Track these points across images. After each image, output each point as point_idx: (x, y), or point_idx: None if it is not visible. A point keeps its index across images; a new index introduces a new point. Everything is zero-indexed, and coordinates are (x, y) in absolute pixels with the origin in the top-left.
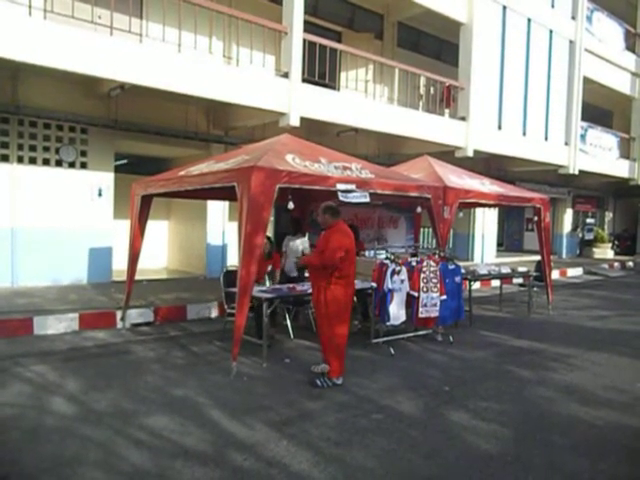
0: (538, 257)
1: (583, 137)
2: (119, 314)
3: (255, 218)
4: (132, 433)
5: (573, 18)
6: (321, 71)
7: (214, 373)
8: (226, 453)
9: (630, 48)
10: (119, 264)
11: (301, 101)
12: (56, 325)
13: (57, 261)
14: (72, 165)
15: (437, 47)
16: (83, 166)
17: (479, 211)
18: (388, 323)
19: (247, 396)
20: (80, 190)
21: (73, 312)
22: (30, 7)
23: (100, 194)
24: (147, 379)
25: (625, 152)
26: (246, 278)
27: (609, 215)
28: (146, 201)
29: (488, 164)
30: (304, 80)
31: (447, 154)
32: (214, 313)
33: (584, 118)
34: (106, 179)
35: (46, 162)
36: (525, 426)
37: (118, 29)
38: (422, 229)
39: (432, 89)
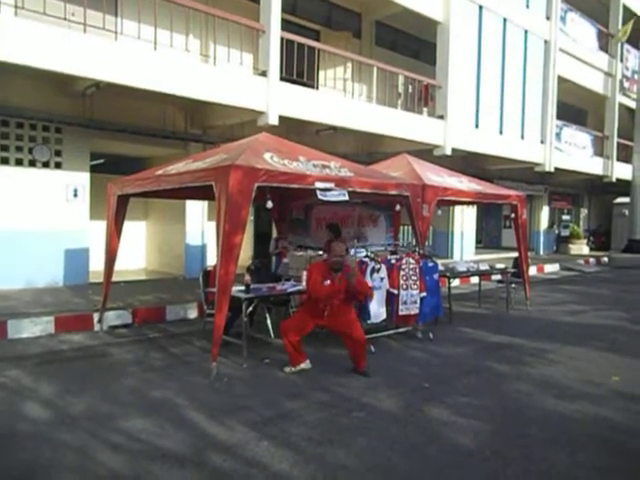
0: (516, 254)
1: (558, 135)
2: (96, 316)
3: (233, 217)
4: (109, 437)
5: (548, 18)
6: (299, 70)
7: (193, 374)
8: (205, 455)
9: (603, 48)
10: (96, 265)
11: (279, 100)
12: (31, 328)
13: (32, 263)
14: (46, 165)
15: (415, 46)
16: (58, 166)
17: (458, 209)
18: (369, 321)
19: (227, 397)
20: (55, 190)
21: (48, 315)
22: (0, 3)
23: (75, 194)
24: (124, 382)
25: (599, 150)
26: (225, 278)
27: (584, 212)
28: (122, 201)
29: (466, 162)
30: (282, 79)
31: (426, 152)
32: (194, 314)
33: (559, 117)
34: (82, 179)
35: (19, 162)
36: (504, 421)
37: (92, 26)
38: (402, 227)
39: (410, 88)
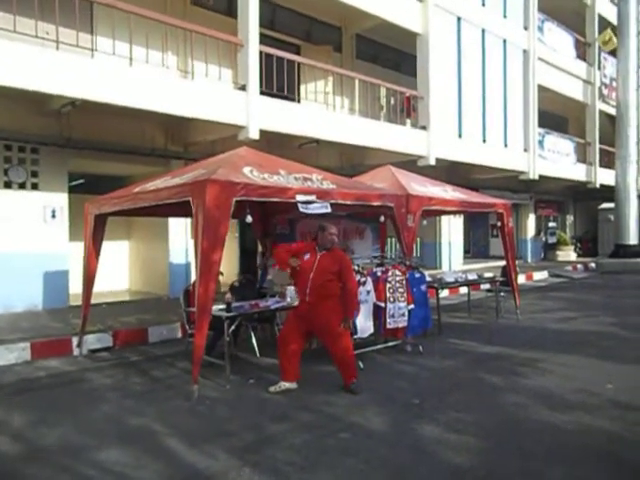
0: (504, 262)
1: (541, 143)
2: (75, 340)
3: (211, 233)
4: (80, 470)
5: (525, 28)
6: (280, 84)
7: (174, 398)
8: None
9: (581, 57)
10: (77, 288)
11: (260, 114)
12: (6, 355)
13: (9, 287)
14: (22, 186)
15: (396, 59)
16: (34, 187)
17: (445, 219)
18: (355, 336)
19: (208, 421)
20: (32, 212)
21: (24, 341)
22: None
23: (54, 216)
24: (101, 409)
25: (582, 157)
26: (204, 296)
27: (570, 218)
28: (100, 221)
29: (451, 172)
30: (263, 93)
31: (410, 163)
32: (177, 334)
33: (541, 125)
34: (60, 200)
35: None
36: (497, 436)
37: (66, 43)
38: (389, 239)
39: (392, 100)
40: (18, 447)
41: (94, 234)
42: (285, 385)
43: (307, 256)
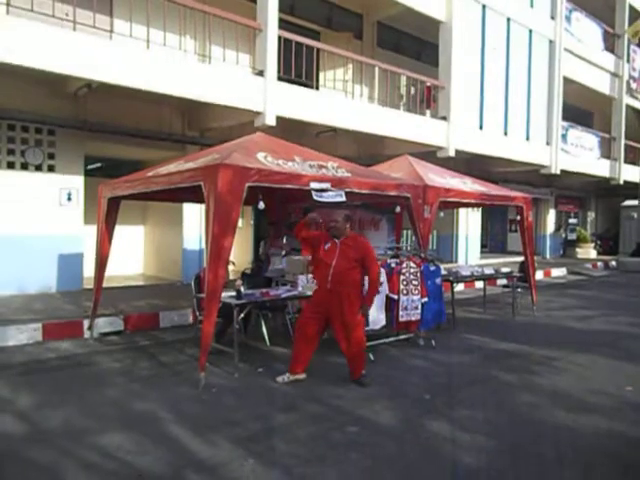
0: (522, 258)
1: (564, 137)
2: (86, 323)
3: (223, 219)
4: (82, 454)
5: (552, 18)
6: (299, 70)
7: (181, 385)
8: (184, 475)
9: (609, 48)
10: (91, 271)
11: (277, 100)
12: (17, 336)
13: (24, 269)
14: (39, 168)
15: (417, 47)
16: (51, 169)
17: (462, 212)
18: (367, 328)
19: (214, 409)
20: (48, 194)
21: (36, 322)
22: None
23: (69, 198)
24: (107, 393)
25: (606, 152)
26: (214, 282)
27: (591, 215)
28: (114, 204)
29: (470, 165)
30: (280, 79)
31: (429, 154)
32: (188, 320)
33: (565, 118)
34: (76, 183)
35: (11, 165)
36: (510, 436)
37: (84, 24)
38: (405, 231)
39: (413, 89)
40: (21, 428)
41: (107, 217)
42: (291, 377)
43: (328, 245)
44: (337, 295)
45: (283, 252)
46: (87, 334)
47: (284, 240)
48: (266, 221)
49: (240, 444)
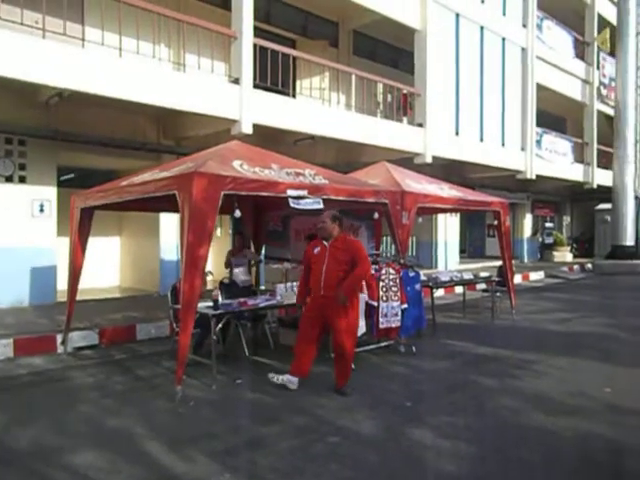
0: (500, 262)
1: (539, 142)
2: (59, 338)
3: (198, 228)
4: (50, 475)
5: (524, 26)
6: (275, 78)
7: (157, 398)
8: None
9: (579, 56)
10: (65, 284)
11: (253, 108)
12: None
13: None
14: (9, 179)
15: (393, 55)
16: (22, 180)
17: (441, 218)
18: None
19: (191, 423)
20: (19, 206)
21: (7, 337)
22: None
23: (42, 210)
24: (80, 409)
25: (579, 157)
26: (190, 293)
27: (567, 219)
28: (87, 214)
29: (447, 171)
30: (257, 87)
31: (406, 161)
32: (166, 332)
33: (539, 124)
34: (48, 194)
35: None
36: (491, 442)
37: (53, 32)
38: (384, 237)
39: (389, 96)
40: None
41: (80, 228)
42: (285, 379)
43: (317, 249)
44: (331, 302)
45: (248, 262)
46: (60, 349)
47: (252, 249)
48: (245, 231)
49: (217, 458)
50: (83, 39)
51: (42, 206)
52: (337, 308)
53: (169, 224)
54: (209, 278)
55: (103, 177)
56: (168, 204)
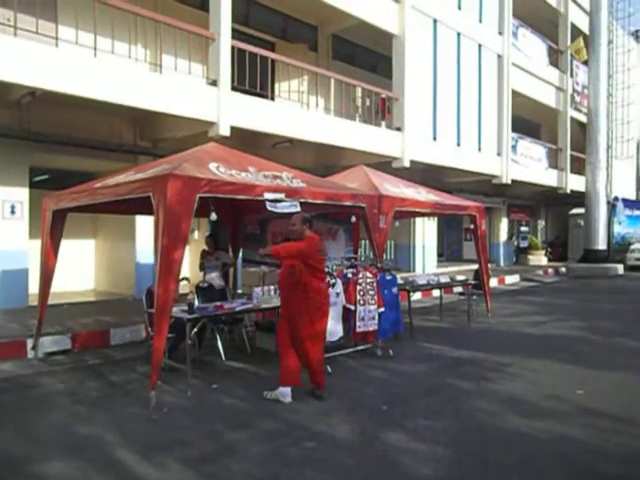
0: (477, 266)
1: (514, 148)
2: (30, 343)
3: (172, 230)
4: None
5: (500, 33)
6: (253, 81)
7: (130, 405)
8: None
9: (553, 63)
10: (37, 288)
11: (231, 110)
12: None
13: None
14: None
15: (372, 60)
16: None
17: (419, 222)
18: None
19: (164, 430)
20: None
21: None
22: None
23: (13, 211)
24: (50, 416)
25: (553, 162)
26: (164, 297)
27: (541, 223)
28: (59, 216)
29: (425, 175)
30: (235, 89)
31: (384, 165)
32: (140, 337)
33: (514, 130)
34: (19, 195)
35: None
36: (467, 445)
37: (25, 30)
38: (362, 241)
39: (368, 101)
40: None
41: (52, 230)
42: (277, 393)
43: None
44: (293, 304)
45: (221, 265)
46: (31, 354)
47: (230, 252)
48: (223, 234)
49: (191, 465)
50: (57, 38)
51: (13, 207)
52: (300, 313)
53: (145, 227)
54: (183, 283)
55: (79, 179)
56: (142, 206)
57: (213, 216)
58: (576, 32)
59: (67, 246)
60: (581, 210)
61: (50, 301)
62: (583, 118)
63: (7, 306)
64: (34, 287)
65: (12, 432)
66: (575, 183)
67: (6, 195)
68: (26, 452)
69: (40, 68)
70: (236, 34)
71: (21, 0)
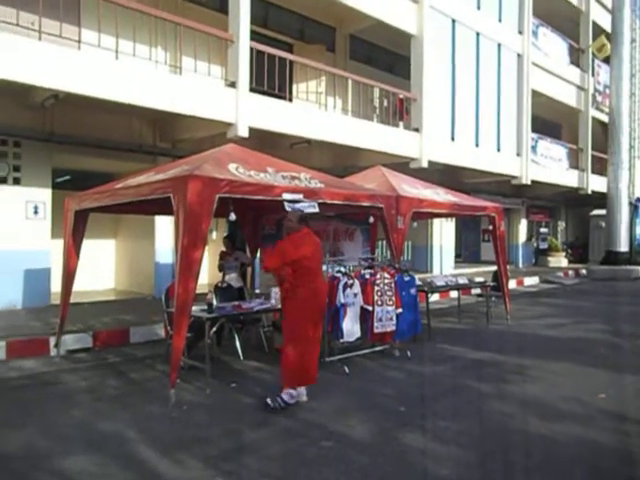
0: (495, 267)
1: (534, 148)
2: (53, 340)
3: (192, 231)
4: (40, 479)
5: (520, 32)
6: (272, 82)
7: (150, 402)
8: None
9: (574, 63)
10: (59, 286)
11: (249, 111)
12: None
13: None
14: (4, 181)
15: (390, 60)
16: (16, 182)
17: (436, 223)
18: (342, 340)
19: (184, 428)
20: (13, 208)
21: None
22: None
23: (36, 212)
24: (72, 413)
25: (574, 163)
26: (184, 296)
27: (562, 224)
28: (81, 217)
29: (443, 176)
30: (253, 90)
31: (402, 165)
32: (160, 335)
33: (534, 130)
34: (43, 195)
35: None
36: (486, 446)
37: (49, 34)
38: (380, 241)
39: (385, 101)
40: None
41: (74, 231)
42: (298, 393)
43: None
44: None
45: (239, 265)
46: (53, 352)
47: (247, 253)
48: (241, 234)
49: (210, 463)
50: (79, 41)
51: (36, 208)
52: (305, 318)
53: (164, 227)
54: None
55: (99, 179)
56: (162, 207)
57: (232, 216)
58: (598, 31)
59: (88, 246)
60: (602, 211)
61: (72, 300)
62: (605, 118)
63: (30, 305)
64: (56, 286)
65: (36, 428)
66: (596, 184)
67: (30, 196)
68: (50, 447)
69: (63, 71)
70: (254, 36)
71: (46, 4)
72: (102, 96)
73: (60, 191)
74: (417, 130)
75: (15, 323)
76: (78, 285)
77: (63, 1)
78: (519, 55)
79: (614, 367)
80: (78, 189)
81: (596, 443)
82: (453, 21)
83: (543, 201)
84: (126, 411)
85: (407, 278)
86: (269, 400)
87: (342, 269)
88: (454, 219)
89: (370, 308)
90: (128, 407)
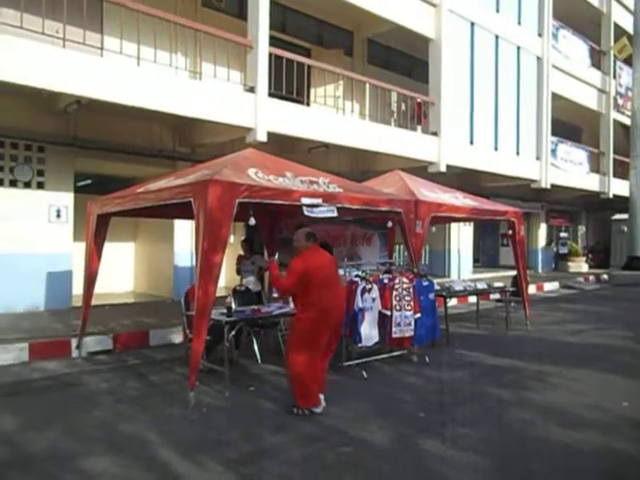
0: (514, 272)
1: (554, 152)
2: (74, 342)
3: (213, 235)
4: (65, 479)
5: (540, 35)
6: (290, 87)
7: (170, 405)
8: None
9: (595, 65)
10: (80, 289)
11: (268, 116)
12: (2, 356)
13: (11, 287)
14: (28, 185)
15: (408, 64)
16: (40, 186)
17: (454, 227)
18: (360, 344)
19: (204, 430)
20: (37, 211)
21: (22, 341)
22: None
23: (59, 215)
24: (94, 414)
25: (595, 166)
26: (204, 299)
27: (582, 229)
28: (103, 220)
29: (461, 180)
30: (271, 95)
31: (420, 170)
32: (179, 338)
33: (554, 133)
34: (65, 199)
35: None
36: (506, 454)
37: (73, 41)
38: (397, 246)
39: (403, 105)
40: (2, 452)
41: (96, 234)
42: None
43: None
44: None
45: (257, 269)
46: (75, 353)
47: (265, 256)
48: (257, 237)
49: (230, 466)
50: (102, 48)
51: (59, 212)
52: (321, 330)
53: (183, 230)
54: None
55: (119, 184)
56: (182, 211)
57: (252, 221)
58: (619, 32)
59: (108, 249)
60: (624, 216)
61: (92, 302)
62: (627, 120)
63: (52, 307)
64: (78, 288)
65: (59, 428)
66: (618, 188)
67: (52, 200)
68: (72, 448)
69: (86, 77)
70: (273, 41)
71: (70, 12)
72: (123, 102)
73: (82, 195)
74: (435, 134)
75: (38, 325)
76: (98, 288)
77: (86, 9)
78: (539, 58)
79: (636, 374)
80: (99, 193)
81: (620, 452)
82: (472, 24)
83: (563, 205)
84: (147, 413)
85: (426, 283)
86: (295, 409)
87: (360, 273)
88: (472, 223)
89: (388, 313)
90: (148, 409)
